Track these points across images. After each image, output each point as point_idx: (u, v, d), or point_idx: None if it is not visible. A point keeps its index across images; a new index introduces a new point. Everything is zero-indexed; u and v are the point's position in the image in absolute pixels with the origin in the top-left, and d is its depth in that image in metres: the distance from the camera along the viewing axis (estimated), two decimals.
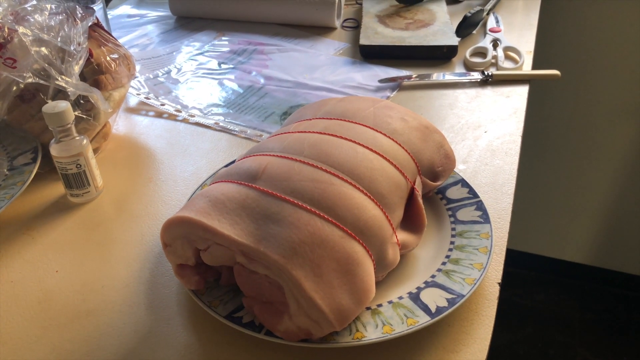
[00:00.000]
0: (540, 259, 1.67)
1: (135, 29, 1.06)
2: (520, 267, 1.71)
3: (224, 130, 0.74)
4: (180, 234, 0.45)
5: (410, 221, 0.52)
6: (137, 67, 0.90)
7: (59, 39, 0.53)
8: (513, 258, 1.69)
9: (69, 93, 0.54)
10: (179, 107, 0.79)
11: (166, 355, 0.45)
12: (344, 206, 0.45)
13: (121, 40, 1.01)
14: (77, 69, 0.55)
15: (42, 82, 0.53)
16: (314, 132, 0.53)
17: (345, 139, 0.51)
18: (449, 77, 0.83)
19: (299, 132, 0.53)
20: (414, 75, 0.83)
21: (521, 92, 0.79)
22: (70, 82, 0.53)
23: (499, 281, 0.50)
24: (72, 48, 0.53)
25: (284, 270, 0.41)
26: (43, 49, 0.52)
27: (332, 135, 0.52)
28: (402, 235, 0.50)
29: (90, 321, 0.49)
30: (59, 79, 0.52)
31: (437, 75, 0.83)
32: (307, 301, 0.41)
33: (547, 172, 1.49)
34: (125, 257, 0.55)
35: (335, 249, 0.43)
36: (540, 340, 1.53)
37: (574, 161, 1.44)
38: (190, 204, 0.46)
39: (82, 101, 0.62)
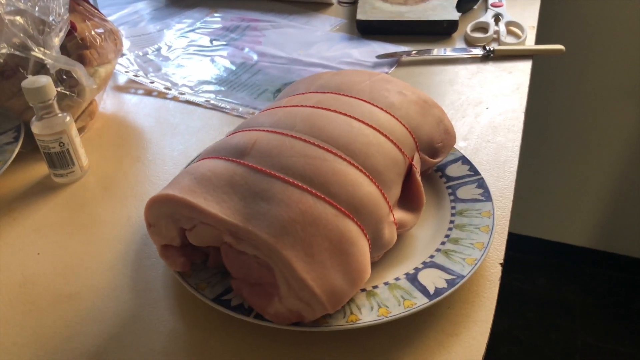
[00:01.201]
0: (541, 242, 1.65)
1: (126, 6, 1.02)
2: (520, 250, 1.69)
3: (215, 108, 0.71)
4: (164, 213, 0.43)
5: (408, 199, 0.49)
6: (127, 44, 0.87)
7: (36, 9, 0.50)
8: (513, 242, 1.67)
9: (48, 66, 0.51)
10: (168, 84, 0.76)
11: (151, 340, 0.43)
12: (337, 183, 0.42)
13: (111, 18, 0.97)
14: (57, 41, 0.52)
15: (17, 53, 0.50)
16: (306, 106, 0.50)
17: (340, 112, 0.49)
18: (449, 52, 0.80)
19: (290, 106, 0.51)
20: (413, 51, 0.80)
21: (524, 68, 0.76)
22: (49, 54, 0.50)
23: (501, 261, 0.48)
24: (51, 19, 0.50)
25: (273, 250, 0.38)
26: (18, 18, 0.49)
27: (325, 109, 0.49)
28: (399, 214, 0.47)
29: (72, 305, 0.46)
30: (36, 50, 0.49)
31: (437, 51, 0.80)
32: (298, 282, 0.38)
33: (548, 152, 1.46)
34: (110, 239, 0.53)
35: (328, 227, 0.40)
36: (541, 324, 1.51)
37: (576, 141, 1.41)
38: (174, 182, 0.44)
39: (65, 77, 0.59)
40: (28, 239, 0.53)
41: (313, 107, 0.49)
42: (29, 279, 0.49)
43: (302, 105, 0.50)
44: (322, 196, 0.41)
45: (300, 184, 0.41)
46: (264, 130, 0.47)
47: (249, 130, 0.48)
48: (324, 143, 0.45)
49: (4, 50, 0.48)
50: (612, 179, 1.45)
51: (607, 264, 1.61)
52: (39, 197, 0.58)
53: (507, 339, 1.49)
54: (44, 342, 0.43)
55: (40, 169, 0.62)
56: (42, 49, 0.50)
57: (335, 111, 0.49)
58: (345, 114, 0.48)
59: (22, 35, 0.48)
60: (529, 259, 1.68)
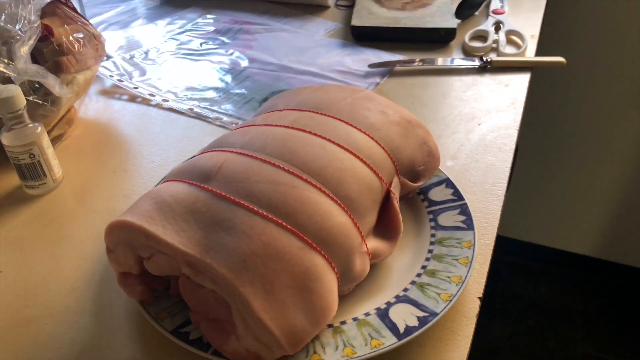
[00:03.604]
0: (544, 250, 1.62)
1: (119, 5, 1.00)
2: (524, 257, 1.65)
3: (198, 116, 0.69)
4: (122, 239, 0.41)
5: (385, 227, 0.47)
6: (115, 46, 0.85)
7: (2, 18, 0.48)
8: (517, 248, 1.63)
9: (12, 78, 0.49)
10: (153, 90, 0.74)
11: None
12: (305, 212, 0.40)
13: (102, 16, 0.95)
14: (25, 50, 0.50)
15: None
16: (281, 125, 0.47)
17: (315, 134, 0.46)
18: (444, 62, 0.77)
19: (265, 125, 0.48)
20: (406, 60, 0.77)
21: (522, 81, 0.73)
22: (13, 66, 0.48)
23: (480, 295, 0.45)
24: (17, 28, 0.48)
25: (231, 285, 0.36)
26: None
27: (300, 130, 0.47)
28: (374, 243, 0.45)
29: (29, 330, 0.44)
30: None
31: (432, 61, 0.77)
32: (256, 322, 0.36)
33: (553, 162, 1.42)
34: (77, 257, 0.51)
35: (291, 262, 0.38)
36: (541, 332, 1.48)
37: (580, 152, 1.37)
38: (135, 206, 0.42)
39: (37, 85, 0.57)
40: None
41: (287, 127, 0.47)
42: None
43: (276, 125, 0.48)
44: (288, 226, 0.39)
45: (265, 213, 0.39)
46: (233, 152, 0.44)
47: (218, 150, 0.46)
48: (294, 168, 0.43)
49: None
50: (616, 190, 1.41)
51: (610, 274, 1.58)
52: (8, 209, 0.56)
53: (506, 345, 1.46)
54: None
55: (13, 179, 0.60)
56: (5, 60, 0.48)
57: (310, 132, 0.46)
58: (320, 136, 0.46)
59: None
60: (532, 265, 1.65)
